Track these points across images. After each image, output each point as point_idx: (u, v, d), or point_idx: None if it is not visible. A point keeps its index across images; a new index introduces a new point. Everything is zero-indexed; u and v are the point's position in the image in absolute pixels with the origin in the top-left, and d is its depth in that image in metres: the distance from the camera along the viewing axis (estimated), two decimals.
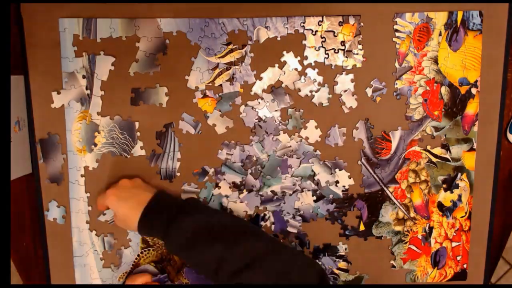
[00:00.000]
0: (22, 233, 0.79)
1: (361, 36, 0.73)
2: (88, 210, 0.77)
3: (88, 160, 0.76)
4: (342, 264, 0.79)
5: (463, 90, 0.75)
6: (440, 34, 0.74)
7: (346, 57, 0.74)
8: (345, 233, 0.79)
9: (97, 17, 0.72)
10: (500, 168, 0.78)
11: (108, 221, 0.77)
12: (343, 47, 0.74)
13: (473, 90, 0.75)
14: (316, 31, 0.73)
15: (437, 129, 0.76)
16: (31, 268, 0.80)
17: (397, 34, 0.73)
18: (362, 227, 0.79)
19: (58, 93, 0.74)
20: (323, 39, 0.73)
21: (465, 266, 0.80)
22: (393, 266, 0.80)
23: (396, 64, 0.74)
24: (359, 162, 0.77)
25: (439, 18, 0.73)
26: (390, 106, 0.75)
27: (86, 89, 0.74)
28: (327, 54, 0.74)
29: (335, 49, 0.74)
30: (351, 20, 0.73)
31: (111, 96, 0.74)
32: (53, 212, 0.77)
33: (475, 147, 0.77)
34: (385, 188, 0.78)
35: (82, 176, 0.76)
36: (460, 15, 0.73)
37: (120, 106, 0.74)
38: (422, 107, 0.75)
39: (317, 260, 0.79)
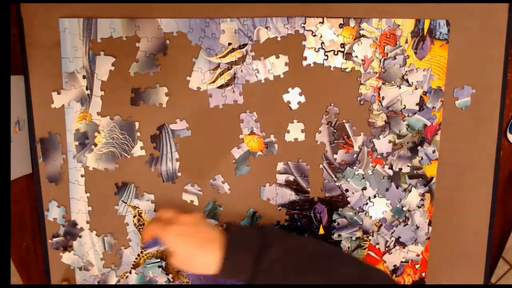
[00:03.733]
0: (22, 233, 0.79)
1: (361, 39, 0.73)
2: (88, 210, 0.77)
3: (88, 160, 0.76)
4: None
5: (427, 99, 0.75)
6: (406, 42, 0.74)
7: (346, 59, 0.74)
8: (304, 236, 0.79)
9: (97, 17, 0.72)
10: (500, 168, 0.78)
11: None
12: (342, 49, 0.74)
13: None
14: (316, 32, 0.73)
15: (400, 136, 0.76)
16: (31, 268, 0.80)
17: (363, 39, 0.73)
18: (321, 231, 0.79)
19: (58, 93, 0.74)
20: (323, 41, 0.73)
21: (423, 274, 0.80)
22: None
23: (361, 69, 0.74)
24: (321, 166, 0.77)
25: (406, 25, 0.73)
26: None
27: (86, 89, 0.74)
28: (326, 55, 0.74)
29: (334, 51, 0.74)
30: (352, 23, 0.73)
31: (111, 96, 0.74)
32: (53, 212, 0.77)
33: (437, 156, 0.77)
34: (345, 194, 0.77)
35: (82, 176, 0.76)
36: (427, 23, 0.73)
37: (120, 106, 0.74)
38: (385, 114, 0.75)
39: None
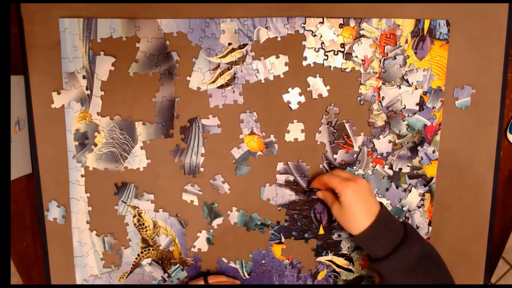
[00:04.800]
0: (22, 233, 0.79)
1: (361, 39, 0.73)
2: (88, 210, 0.77)
3: (88, 160, 0.76)
4: (343, 262, 0.79)
5: (426, 99, 0.75)
6: (406, 42, 0.74)
7: (346, 59, 0.74)
8: (304, 236, 0.79)
9: (97, 17, 0.72)
10: (500, 168, 0.78)
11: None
12: (342, 49, 0.74)
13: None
14: (316, 32, 0.73)
15: (400, 136, 0.76)
16: (31, 268, 0.80)
17: (363, 39, 0.73)
18: (321, 231, 0.78)
19: (58, 93, 0.74)
20: (323, 41, 0.73)
21: None
22: (351, 271, 0.80)
23: (361, 69, 0.74)
24: (321, 166, 0.77)
25: (406, 25, 0.73)
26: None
27: (86, 89, 0.74)
28: (327, 55, 0.74)
29: (334, 51, 0.74)
30: (352, 23, 0.73)
31: (111, 96, 0.74)
32: (53, 212, 0.77)
33: (437, 156, 0.77)
34: None
35: (82, 176, 0.76)
36: (427, 23, 0.73)
37: (120, 106, 0.74)
38: (385, 115, 0.75)
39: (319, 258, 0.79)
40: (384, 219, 0.67)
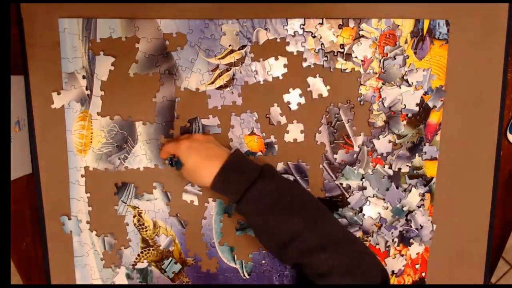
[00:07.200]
0: (22, 233, 0.79)
1: (360, 40, 0.73)
2: (88, 211, 0.77)
3: (88, 160, 0.76)
4: None
5: (427, 98, 0.75)
6: (406, 42, 0.74)
7: (345, 60, 0.74)
8: None
9: (97, 17, 0.72)
10: (500, 168, 0.78)
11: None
12: (342, 50, 0.74)
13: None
14: (316, 33, 0.73)
15: (399, 136, 0.76)
16: (31, 268, 0.80)
17: (362, 40, 0.73)
18: None
19: (58, 93, 0.74)
20: (322, 42, 0.73)
21: (423, 274, 0.80)
22: None
23: (361, 70, 0.74)
24: (321, 166, 0.77)
25: (406, 25, 0.73)
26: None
27: (86, 89, 0.74)
28: (326, 56, 0.74)
29: (334, 52, 0.74)
30: (351, 23, 0.73)
31: (111, 96, 0.74)
32: (68, 226, 0.77)
33: (437, 156, 0.77)
34: (345, 194, 0.77)
35: (82, 176, 0.76)
36: (426, 23, 0.73)
37: (120, 106, 0.75)
38: (385, 115, 0.75)
39: None
40: (233, 165, 0.65)
